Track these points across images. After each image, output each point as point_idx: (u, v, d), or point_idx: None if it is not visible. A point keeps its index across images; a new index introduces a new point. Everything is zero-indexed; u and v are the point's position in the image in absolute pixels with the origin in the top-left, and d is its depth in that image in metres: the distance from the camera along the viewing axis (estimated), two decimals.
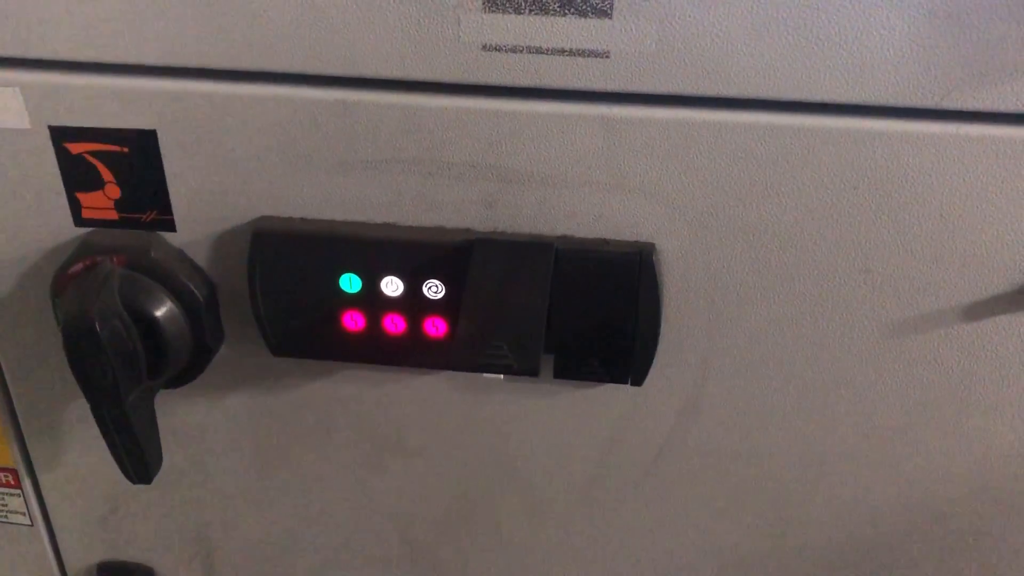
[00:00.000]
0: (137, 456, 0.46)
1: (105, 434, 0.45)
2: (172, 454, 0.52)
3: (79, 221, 0.46)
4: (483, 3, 0.38)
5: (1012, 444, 0.48)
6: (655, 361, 0.46)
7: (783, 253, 0.43)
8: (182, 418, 0.52)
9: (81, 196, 0.45)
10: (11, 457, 0.54)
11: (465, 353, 0.39)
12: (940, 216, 0.41)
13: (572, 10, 0.38)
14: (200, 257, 0.46)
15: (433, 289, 0.44)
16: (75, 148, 0.44)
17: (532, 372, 0.39)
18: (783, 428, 0.48)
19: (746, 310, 0.45)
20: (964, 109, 0.39)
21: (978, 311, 0.44)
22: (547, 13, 0.38)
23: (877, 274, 0.43)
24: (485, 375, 0.47)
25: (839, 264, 0.43)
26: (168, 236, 0.46)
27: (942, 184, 0.41)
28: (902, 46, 0.38)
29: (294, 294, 0.45)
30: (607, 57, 0.39)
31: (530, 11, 0.38)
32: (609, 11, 0.38)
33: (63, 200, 0.45)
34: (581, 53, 0.39)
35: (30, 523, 0.57)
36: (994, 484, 0.49)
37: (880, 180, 0.41)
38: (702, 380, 0.47)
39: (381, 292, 0.45)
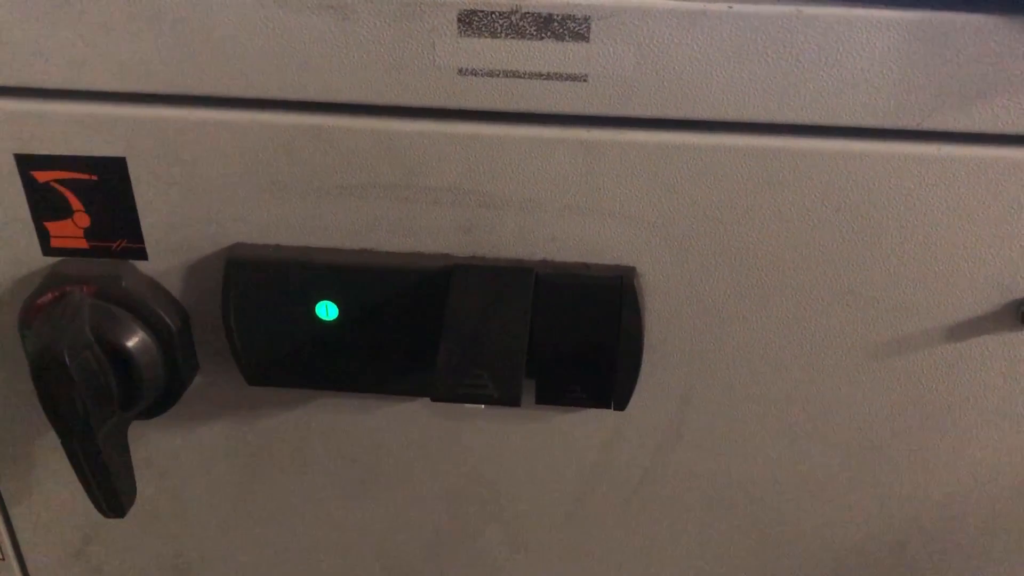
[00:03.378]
0: (110, 489, 0.45)
1: (76, 468, 0.44)
2: (146, 485, 0.51)
3: (48, 250, 0.44)
4: (458, 27, 0.38)
5: (997, 462, 0.47)
6: (638, 385, 0.45)
7: (765, 275, 0.43)
8: (156, 449, 0.50)
9: (49, 225, 0.44)
10: None
11: (445, 384, 0.38)
12: (922, 237, 0.41)
13: (549, 34, 0.37)
14: (173, 286, 0.45)
15: (411, 316, 0.43)
16: (42, 176, 0.43)
17: (513, 402, 0.38)
18: (767, 450, 0.48)
19: (729, 332, 0.44)
20: (945, 130, 0.39)
21: (962, 331, 0.43)
22: (524, 37, 0.38)
23: (860, 295, 0.43)
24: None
25: (822, 286, 0.43)
26: (140, 265, 0.45)
27: (924, 205, 0.40)
28: (882, 67, 0.38)
29: (270, 322, 0.44)
30: (585, 81, 0.38)
31: (506, 35, 0.38)
32: (586, 35, 0.37)
33: (31, 229, 0.44)
34: (559, 77, 0.38)
35: (1, 557, 0.56)
36: (980, 503, 0.49)
37: (862, 201, 0.40)
38: (685, 403, 0.47)
39: (358, 319, 0.44)
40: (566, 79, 0.39)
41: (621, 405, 0.45)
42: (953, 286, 0.42)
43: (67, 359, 0.41)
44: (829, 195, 0.40)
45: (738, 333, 0.44)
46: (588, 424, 0.48)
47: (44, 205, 0.43)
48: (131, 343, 0.44)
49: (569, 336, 0.43)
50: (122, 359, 0.44)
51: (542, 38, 0.38)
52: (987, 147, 0.39)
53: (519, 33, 0.38)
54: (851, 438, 0.47)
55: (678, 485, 0.49)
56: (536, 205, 0.42)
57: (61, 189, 0.43)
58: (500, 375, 0.38)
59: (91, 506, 0.45)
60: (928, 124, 0.39)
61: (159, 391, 0.46)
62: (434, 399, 0.38)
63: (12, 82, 0.40)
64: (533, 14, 0.37)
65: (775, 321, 0.44)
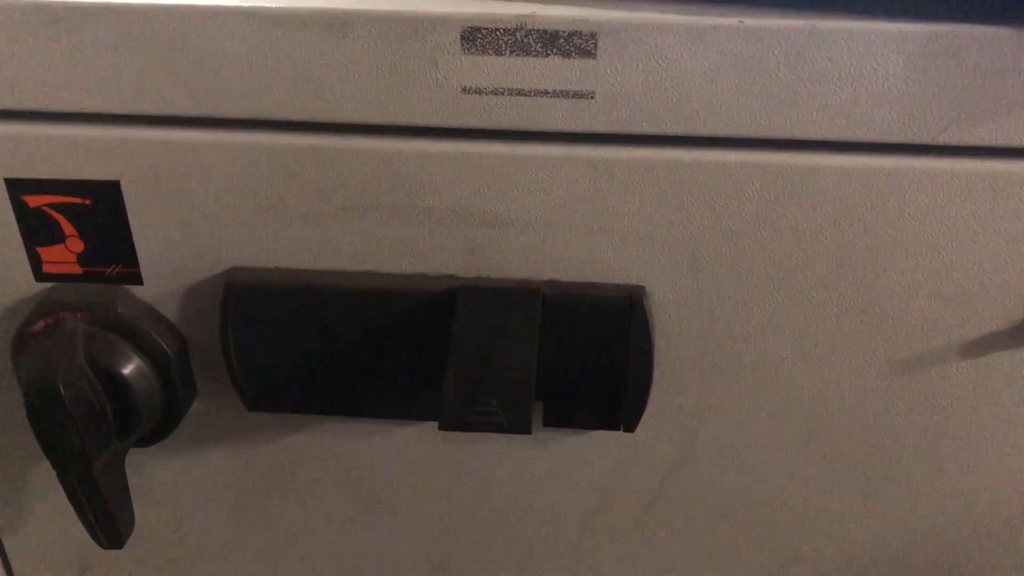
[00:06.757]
0: (107, 521, 0.44)
1: (72, 499, 0.43)
2: (144, 513, 0.50)
3: (40, 276, 0.43)
4: (461, 45, 0.36)
5: (1015, 480, 0.46)
6: (648, 406, 0.44)
7: (777, 293, 0.42)
8: (154, 476, 0.49)
9: (41, 250, 0.43)
10: None
11: (453, 413, 0.37)
12: (938, 253, 0.40)
13: (555, 51, 0.36)
14: (169, 311, 0.44)
15: (415, 339, 0.42)
16: (34, 201, 0.41)
17: (524, 431, 0.37)
18: (780, 470, 0.47)
19: (740, 352, 0.43)
20: (962, 144, 0.38)
21: (977, 347, 0.43)
22: (529, 54, 0.37)
23: (875, 313, 0.42)
24: None
25: (835, 303, 0.42)
26: (135, 290, 0.43)
27: (940, 220, 0.40)
28: (896, 81, 0.37)
29: (269, 347, 0.43)
30: (592, 98, 0.37)
31: (511, 52, 0.37)
32: (593, 51, 0.36)
33: (22, 255, 0.43)
34: (565, 94, 0.37)
35: None
36: (998, 520, 0.48)
37: (877, 217, 0.40)
38: (697, 424, 0.46)
39: (360, 343, 0.43)
40: (573, 96, 0.38)
41: (631, 427, 0.44)
42: (969, 302, 0.41)
43: (61, 390, 0.39)
44: (843, 211, 0.39)
45: (749, 352, 0.43)
46: (597, 446, 0.47)
47: (36, 230, 0.42)
48: (127, 371, 0.43)
49: (577, 357, 0.42)
50: (118, 387, 0.42)
51: (548, 55, 0.37)
52: (1003, 161, 0.38)
53: (524, 50, 0.36)
54: (866, 456, 0.46)
55: (690, 506, 0.48)
56: (542, 224, 0.41)
57: (53, 214, 0.42)
58: (509, 402, 0.37)
59: (88, 535, 0.44)
60: (943, 138, 0.38)
61: (156, 418, 0.45)
62: (442, 428, 0.37)
63: (2, 105, 0.39)
64: (538, 31, 0.36)
65: (787, 339, 0.43)
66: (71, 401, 0.40)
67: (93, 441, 0.41)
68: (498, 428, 0.37)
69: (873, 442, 0.46)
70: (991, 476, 0.46)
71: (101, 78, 0.38)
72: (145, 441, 0.46)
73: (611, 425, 0.44)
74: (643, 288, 0.42)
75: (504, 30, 0.36)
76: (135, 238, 0.42)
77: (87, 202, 0.41)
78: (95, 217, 0.42)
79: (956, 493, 0.47)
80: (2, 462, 0.50)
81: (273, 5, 0.37)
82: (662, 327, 0.43)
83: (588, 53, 0.36)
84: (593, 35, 0.36)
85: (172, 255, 0.42)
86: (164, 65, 0.38)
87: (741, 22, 0.36)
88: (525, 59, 0.37)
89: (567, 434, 0.46)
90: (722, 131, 0.38)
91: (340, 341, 0.43)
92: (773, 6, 0.37)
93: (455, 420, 0.37)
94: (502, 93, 0.38)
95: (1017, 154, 0.38)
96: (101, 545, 0.44)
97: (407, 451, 0.47)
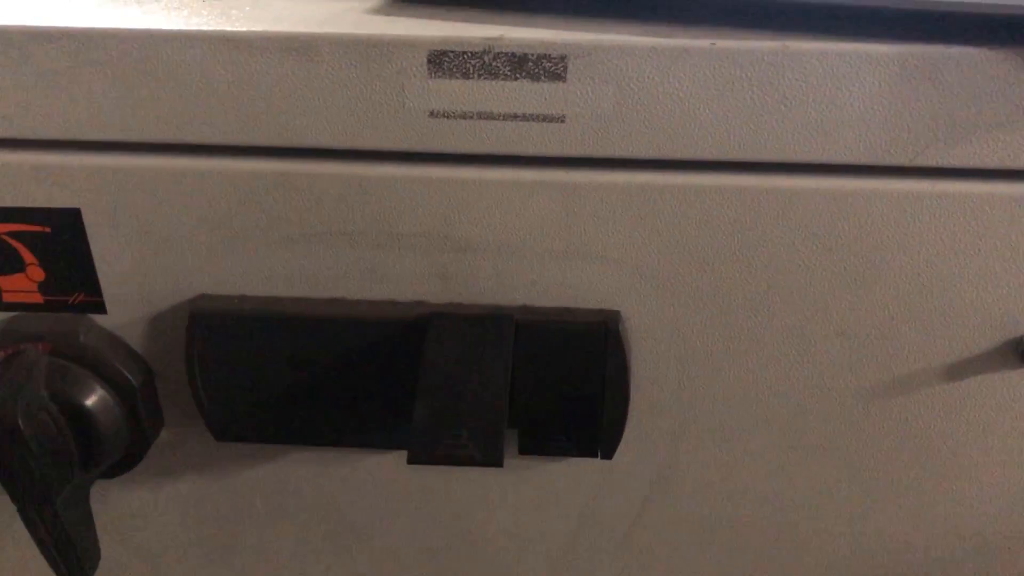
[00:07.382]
0: (71, 556, 0.43)
1: (34, 534, 0.42)
2: (111, 546, 0.49)
3: (0, 306, 0.42)
4: (428, 69, 0.36)
5: (995, 505, 0.46)
6: (625, 432, 0.43)
7: (754, 317, 0.41)
8: (121, 508, 0.48)
9: (1, 279, 0.41)
10: None
11: (422, 446, 0.36)
12: (916, 275, 0.40)
13: (524, 74, 0.36)
14: (134, 340, 0.43)
15: (385, 366, 0.41)
16: None
17: (495, 463, 0.36)
18: (759, 495, 0.46)
19: (718, 377, 0.43)
20: (939, 166, 0.37)
21: (957, 371, 0.42)
22: (497, 78, 0.36)
23: (853, 336, 0.41)
24: None
25: (813, 327, 0.41)
26: (98, 319, 0.42)
27: (918, 242, 0.39)
28: (872, 102, 0.36)
29: (236, 376, 0.42)
30: (563, 121, 0.37)
31: (479, 76, 0.36)
32: (563, 74, 0.36)
33: None
34: (535, 118, 0.37)
35: None
36: (980, 546, 0.47)
37: (854, 240, 0.39)
38: (674, 450, 0.45)
39: (329, 372, 0.42)
40: (543, 120, 0.37)
41: (608, 454, 0.43)
42: (949, 325, 0.41)
43: (21, 422, 0.39)
44: (819, 234, 0.39)
45: (727, 376, 0.43)
46: (574, 473, 0.46)
47: None
48: (90, 402, 0.42)
49: (552, 384, 0.42)
50: (81, 419, 0.41)
51: (517, 78, 0.36)
52: (982, 182, 0.38)
53: (492, 74, 0.36)
54: (847, 477, 0.45)
55: (669, 532, 0.47)
56: (514, 250, 0.40)
57: (12, 242, 0.40)
58: (481, 435, 0.36)
59: (51, 570, 0.43)
60: (921, 160, 0.37)
61: (122, 450, 0.44)
62: (411, 462, 0.36)
63: None
64: (507, 54, 0.35)
65: (765, 363, 0.42)
66: (31, 434, 0.39)
67: (54, 474, 0.40)
68: (469, 461, 0.36)
69: (854, 463, 0.45)
70: (973, 496, 0.46)
71: (60, 104, 0.37)
72: (111, 472, 0.45)
73: (588, 452, 0.43)
74: (619, 313, 0.41)
75: (471, 53, 0.35)
76: (97, 266, 0.41)
77: (47, 230, 0.40)
78: (56, 245, 0.40)
79: (938, 513, 0.46)
80: None
81: (237, 29, 0.36)
82: (638, 352, 0.42)
83: (558, 76, 0.36)
84: (563, 58, 0.35)
85: (136, 283, 0.41)
86: (125, 91, 0.37)
87: (713, 44, 0.35)
88: (494, 82, 0.36)
89: (544, 461, 0.45)
90: (695, 154, 0.37)
91: (309, 370, 0.42)
92: (746, 28, 0.36)
93: (424, 453, 0.36)
94: (471, 117, 0.37)
95: (994, 175, 0.38)
96: None
97: (379, 480, 0.46)
